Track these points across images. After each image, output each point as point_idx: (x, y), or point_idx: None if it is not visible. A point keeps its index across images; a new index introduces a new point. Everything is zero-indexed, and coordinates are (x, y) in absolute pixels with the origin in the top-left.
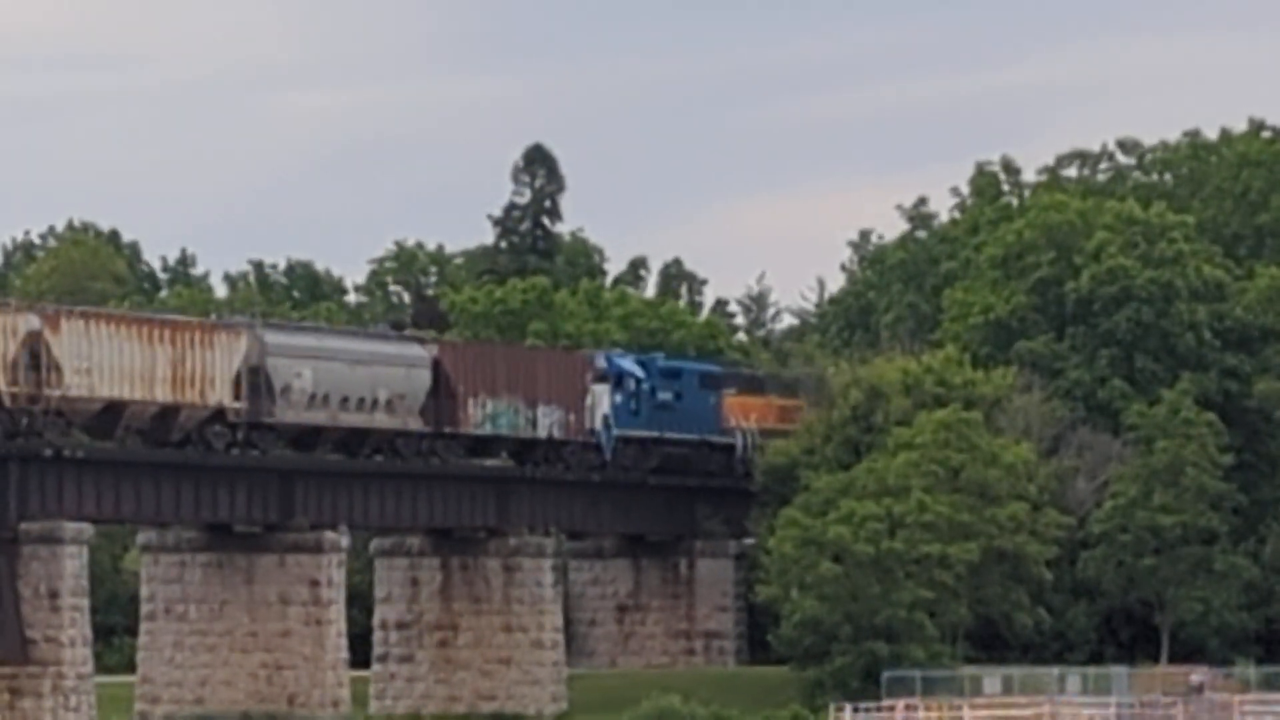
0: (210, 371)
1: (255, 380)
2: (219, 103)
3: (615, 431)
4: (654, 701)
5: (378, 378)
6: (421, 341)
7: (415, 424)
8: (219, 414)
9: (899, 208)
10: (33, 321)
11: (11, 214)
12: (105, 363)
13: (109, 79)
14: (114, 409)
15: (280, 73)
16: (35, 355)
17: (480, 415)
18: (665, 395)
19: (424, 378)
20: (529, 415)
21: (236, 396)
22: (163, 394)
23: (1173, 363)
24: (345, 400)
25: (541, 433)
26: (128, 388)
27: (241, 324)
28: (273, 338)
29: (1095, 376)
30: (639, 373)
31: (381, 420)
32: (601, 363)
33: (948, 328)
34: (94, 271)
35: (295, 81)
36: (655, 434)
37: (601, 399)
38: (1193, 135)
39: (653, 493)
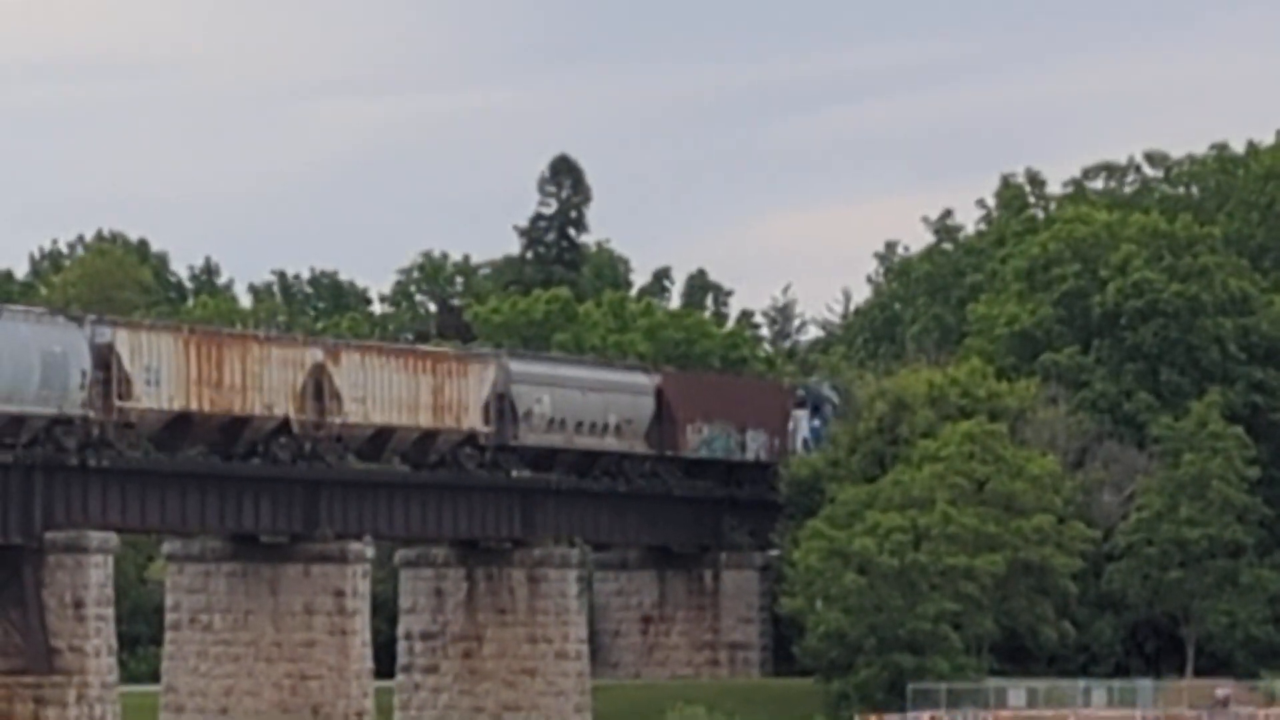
0: (464, 398)
1: (501, 406)
2: (247, 112)
3: (813, 453)
4: (678, 713)
5: (608, 404)
6: (645, 370)
7: (640, 447)
8: (471, 437)
9: (925, 220)
10: (317, 354)
11: (40, 223)
12: (378, 391)
13: (138, 88)
14: (383, 434)
15: (307, 83)
16: (319, 385)
17: (697, 440)
18: None
19: (648, 404)
20: (739, 439)
21: (486, 421)
22: (425, 420)
23: (1198, 376)
24: (580, 424)
25: (750, 455)
26: (396, 414)
27: (490, 354)
28: (516, 366)
29: (1121, 389)
30: (835, 398)
31: (611, 444)
32: (801, 389)
33: (973, 340)
34: (120, 280)
35: (322, 92)
36: None
37: (801, 423)
38: (1219, 148)
39: (678, 504)
